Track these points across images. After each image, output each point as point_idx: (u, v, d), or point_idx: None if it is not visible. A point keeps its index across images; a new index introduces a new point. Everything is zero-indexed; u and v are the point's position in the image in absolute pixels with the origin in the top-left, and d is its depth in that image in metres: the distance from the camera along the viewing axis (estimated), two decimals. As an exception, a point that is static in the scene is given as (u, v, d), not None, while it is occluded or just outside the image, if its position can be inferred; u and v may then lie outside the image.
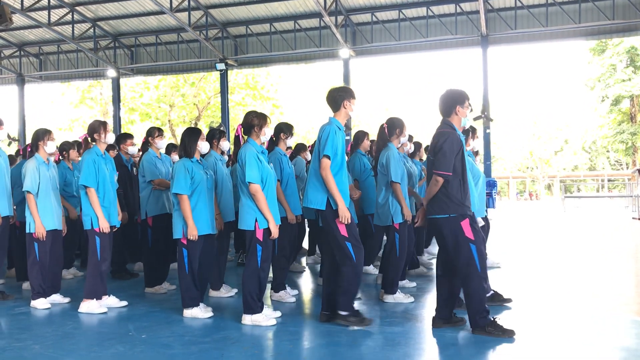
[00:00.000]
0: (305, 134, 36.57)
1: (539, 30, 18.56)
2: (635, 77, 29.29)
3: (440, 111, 4.03)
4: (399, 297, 4.90)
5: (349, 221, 4.01)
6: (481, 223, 4.44)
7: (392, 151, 4.93)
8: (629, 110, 31.45)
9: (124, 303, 4.95)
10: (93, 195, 4.72)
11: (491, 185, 19.62)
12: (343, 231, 4.02)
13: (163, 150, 6.17)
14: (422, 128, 30.05)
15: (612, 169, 44.37)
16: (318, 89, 40.29)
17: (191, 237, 4.45)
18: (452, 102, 3.95)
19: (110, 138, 4.98)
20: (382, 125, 5.09)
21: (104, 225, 4.72)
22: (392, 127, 5.06)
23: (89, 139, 4.99)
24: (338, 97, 4.18)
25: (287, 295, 5.08)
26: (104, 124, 5.00)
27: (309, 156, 6.50)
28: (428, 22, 18.77)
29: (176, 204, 4.54)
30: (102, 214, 4.74)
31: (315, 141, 5.26)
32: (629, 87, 29.51)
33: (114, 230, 5.00)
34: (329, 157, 4.00)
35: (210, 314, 4.52)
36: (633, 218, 13.88)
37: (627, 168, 33.22)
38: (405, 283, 5.50)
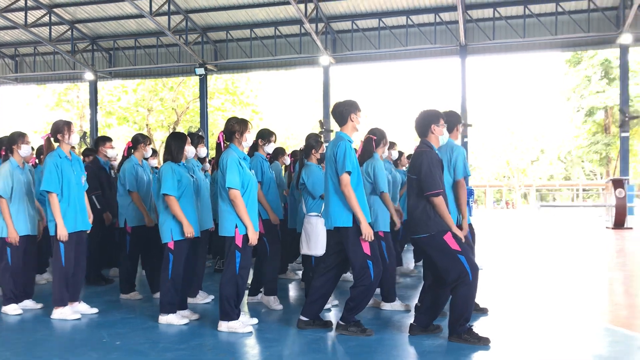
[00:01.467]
0: (284, 140, 36.55)
1: (517, 41, 18.85)
2: (609, 89, 29.88)
3: (417, 133, 4.09)
4: (396, 305, 4.93)
5: (372, 238, 4.03)
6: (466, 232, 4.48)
7: (378, 162, 4.97)
8: (603, 122, 32.06)
9: (95, 310, 4.86)
10: (54, 200, 4.58)
11: (468, 193, 19.87)
12: (366, 249, 4.04)
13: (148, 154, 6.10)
14: (402, 136, 30.26)
15: (586, 179, 45.12)
16: (298, 95, 40.35)
17: (188, 235, 4.42)
18: (427, 122, 4.01)
19: (75, 139, 4.79)
20: (367, 136, 5.11)
21: (62, 233, 4.58)
22: (378, 138, 5.12)
23: (52, 139, 4.83)
24: (345, 111, 4.20)
25: (276, 302, 5.06)
26: (69, 124, 4.82)
27: (287, 161, 6.48)
28: (408, 31, 18.92)
29: (163, 207, 4.49)
30: (62, 221, 4.59)
31: (302, 151, 5.28)
32: (603, 99, 30.09)
33: (87, 233, 4.92)
34: (349, 173, 4.01)
35: (186, 320, 4.48)
36: (606, 227, 14.11)
37: (602, 178, 33.83)
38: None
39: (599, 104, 30.53)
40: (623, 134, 19.21)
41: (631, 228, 13.72)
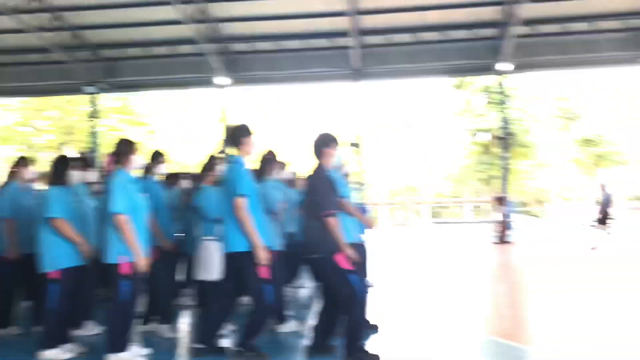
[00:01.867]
0: (180, 161, 35.73)
1: (407, 67, 19.76)
2: (491, 113, 32.05)
3: (313, 154, 4.18)
4: (291, 326, 4.93)
5: (268, 262, 4.01)
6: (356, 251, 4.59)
7: (269, 183, 4.99)
8: (487, 143, 34.26)
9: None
10: None
11: (364, 212, 20.37)
12: (264, 273, 4.00)
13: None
14: (300, 157, 30.61)
15: (474, 196, 47.85)
16: (198, 116, 39.68)
17: (86, 254, 4.21)
18: (319, 145, 4.11)
19: None
20: (263, 157, 5.13)
21: None
22: (272, 160, 5.14)
23: None
24: (238, 135, 4.22)
25: (170, 330, 4.90)
26: None
27: (184, 183, 6.34)
28: (304, 55, 19.27)
29: (47, 233, 4.21)
30: None
31: (197, 173, 5.18)
32: (486, 122, 32.20)
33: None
34: (244, 197, 3.97)
35: (71, 355, 4.23)
36: (492, 242, 14.99)
37: (487, 196, 35.98)
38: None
39: (482, 126, 32.61)
40: (503, 155, 20.65)
41: (512, 242, 14.68)
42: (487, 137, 34.02)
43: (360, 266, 4.13)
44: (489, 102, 32.91)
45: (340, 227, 3.89)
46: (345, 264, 3.85)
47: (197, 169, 5.41)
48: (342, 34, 18.47)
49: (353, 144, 19.42)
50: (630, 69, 20.68)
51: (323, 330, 4.07)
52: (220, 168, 4.96)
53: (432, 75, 21.14)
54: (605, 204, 12.78)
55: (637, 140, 44.58)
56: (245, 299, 6.05)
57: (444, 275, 8.95)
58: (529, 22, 18.30)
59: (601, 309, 5.89)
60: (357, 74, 19.70)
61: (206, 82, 20.06)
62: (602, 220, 12.83)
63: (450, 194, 49.58)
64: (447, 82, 34.52)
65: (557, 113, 36.78)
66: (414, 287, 7.64)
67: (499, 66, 19.38)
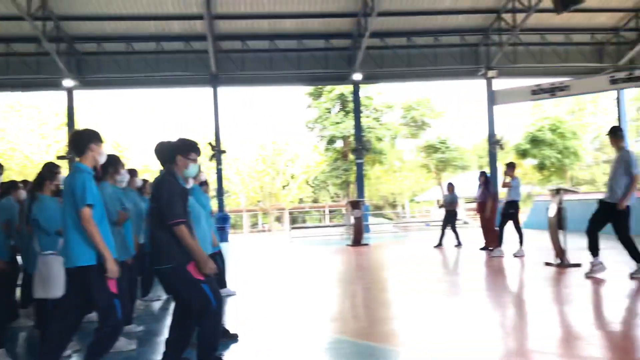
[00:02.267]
0: (21, 169, 32.78)
1: (264, 73, 19.90)
2: (346, 121, 33.33)
3: (160, 161, 4.00)
4: (120, 345, 4.59)
5: (118, 275, 3.77)
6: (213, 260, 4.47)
7: (106, 190, 4.71)
8: (342, 149, 35.55)
9: None
10: None
11: (224, 219, 20.13)
12: (113, 287, 3.72)
13: None
14: (155, 164, 29.47)
15: (332, 201, 49.39)
16: (41, 119, 36.68)
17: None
18: (174, 150, 3.93)
19: None
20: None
21: None
22: (107, 164, 4.79)
23: None
24: (83, 141, 3.91)
25: (3, 356, 4.41)
26: None
27: (22, 195, 5.77)
28: (158, 57, 18.65)
29: None
30: None
31: (34, 182, 4.71)
32: (341, 129, 33.43)
33: None
34: (90, 207, 3.67)
35: None
36: (347, 245, 15.53)
37: (344, 200, 37.28)
38: (132, 327, 5.23)
39: (338, 134, 33.81)
40: (358, 161, 21.55)
41: (367, 244, 15.33)
42: (342, 144, 35.31)
43: (218, 275, 4.02)
44: (344, 110, 34.20)
45: (190, 235, 3.73)
46: (196, 274, 3.72)
47: (34, 177, 4.94)
48: (200, 37, 18.15)
49: (214, 150, 19.12)
50: (468, 81, 22.59)
51: (177, 344, 3.90)
52: (61, 177, 4.59)
53: (289, 83, 21.53)
54: (450, 205, 13.80)
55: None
56: (91, 316, 5.66)
57: (304, 279, 9.06)
58: (379, 34, 19.31)
59: (450, 306, 6.30)
60: (215, 79, 19.46)
61: (52, 84, 18.66)
62: (447, 220, 13.85)
63: (309, 199, 50.77)
64: (304, 90, 35.33)
65: (407, 121, 39.22)
66: (275, 294, 7.64)
67: (353, 76, 20.23)
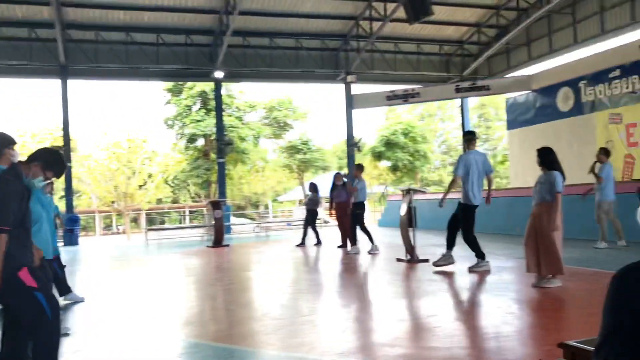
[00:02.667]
0: None
1: (120, 67, 18.91)
2: (208, 119, 32.74)
3: None
4: None
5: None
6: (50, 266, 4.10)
7: None
8: (204, 148, 34.87)
9: None
10: None
11: (73, 221, 18.81)
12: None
13: None
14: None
15: (192, 201, 48.23)
16: None
17: None
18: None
19: None
20: None
21: None
22: None
23: None
24: None
25: None
26: None
27: None
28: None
29: None
30: None
31: None
32: (202, 127, 32.78)
33: None
34: None
35: None
36: (207, 246, 15.24)
37: (205, 200, 36.58)
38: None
39: (199, 132, 33.11)
40: (219, 160, 21.25)
41: (228, 245, 15.16)
42: (203, 143, 34.63)
43: (58, 282, 3.68)
44: (205, 108, 33.57)
45: (9, 244, 3.32)
46: (30, 281, 3.37)
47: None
48: (46, 25, 16.79)
49: (59, 147, 17.76)
50: (329, 85, 23.22)
51: (9, 358, 3.53)
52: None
53: (147, 78, 20.65)
54: (311, 205, 14.07)
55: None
56: None
57: (157, 283, 8.72)
58: (241, 33, 19.20)
59: (309, 304, 6.39)
60: (64, 71, 18.14)
61: None
62: (308, 219, 14.11)
63: (168, 199, 49.13)
64: (163, 86, 34.13)
65: (270, 121, 39.45)
66: (126, 298, 7.25)
67: (214, 74, 19.91)
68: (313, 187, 14.28)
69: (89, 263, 12.59)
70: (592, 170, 10.25)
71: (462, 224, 7.92)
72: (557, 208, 6.29)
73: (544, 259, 6.30)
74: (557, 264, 6.25)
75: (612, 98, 16.19)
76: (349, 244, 11.65)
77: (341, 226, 12.48)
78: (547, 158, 6.57)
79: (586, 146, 16.87)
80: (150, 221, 29.29)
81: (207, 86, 30.85)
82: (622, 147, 15.84)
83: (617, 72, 15.95)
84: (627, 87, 15.67)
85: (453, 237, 8.18)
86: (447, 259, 8.15)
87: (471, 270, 7.79)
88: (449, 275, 7.73)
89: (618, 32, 17.36)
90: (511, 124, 21.27)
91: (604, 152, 10.30)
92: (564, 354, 2.26)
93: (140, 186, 34.64)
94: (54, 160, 3.73)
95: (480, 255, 7.88)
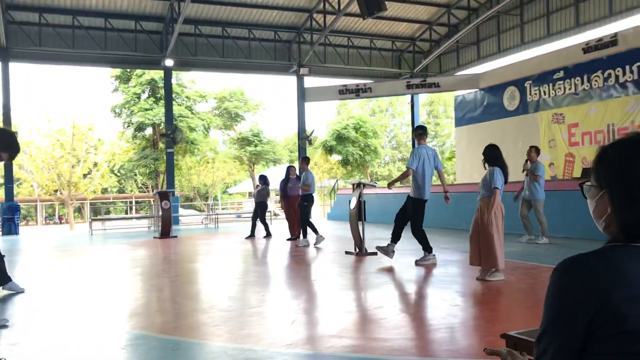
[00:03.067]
0: None
1: (65, 51, 18.29)
2: (156, 108, 32.05)
3: None
4: None
5: None
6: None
7: None
8: (152, 137, 34.13)
9: None
10: None
11: (13, 210, 18.10)
12: None
13: None
14: None
15: (139, 192, 47.21)
16: None
17: None
18: None
19: None
20: None
21: None
22: None
23: None
24: None
25: None
26: None
27: None
28: None
29: None
30: None
31: None
32: (151, 116, 32.07)
33: None
34: None
35: None
36: (155, 237, 14.96)
37: (152, 191, 35.86)
38: None
39: (147, 121, 32.39)
40: (168, 150, 20.86)
41: (176, 236, 14.92)
42: (152, 132, 33.89)
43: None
44: (155, 97, 32.85)
45: None
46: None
47: None
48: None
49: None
50: (281, 77, 23.11)
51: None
52: None
53: (94, 63, 20.03)
54: (260, 198, 13.99)
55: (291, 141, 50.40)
56: None
57: (102, 274, 8.50)
58: (193, 21, 18.87)
59: (256, 295, 6.36)
60: (5, 53, 17.41)
61: None
62: (257, 212, 14.04)
63: (114, 189, 47.93)
64: (111, 73, 33.20)
65: (221, 112, 38.97)
66: (68, 289, 7.03)
67: (164, 62, 19.50)
68: (263, 180, 14.21)
69: (30, 253, 12.15)
70: (525, 169, 10.44)
71: (412, 217, 8.01)
72: (494, 203, 6.44)
73: (484, 253, 6.49)
74: (493, 259, 6.42)
75: (556, 98, 16.78)
76: (304, 236, 11.66)
77: (290, 219, 12.49)
78: (490, 154, 6.67)
79: (530, 144, 17.44)
80: (95, 211, 28.46)
81: (157, 74, 30.21)
82: (564, 146, 16.45)
83: (561, 74, 16.53)
84: (570, 88, 16.26)
85: (400, 230, 8.28)
86: (388, 251, 8.21)
87: (418, 263, 7.94)
88: (396, 269, 7.84)
89: (563, 34, 18.00)
90: (459, 121, 21.75)
91: (536, 151, 10.41)
92: (506, 344, 2.32)
93: (85, 175, 33.66)
94: (11, 142, 3.52)
95: (427, 248, 8.02)
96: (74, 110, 31.14)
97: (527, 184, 10.30)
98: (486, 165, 6.72)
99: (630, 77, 14.49)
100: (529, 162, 10.34)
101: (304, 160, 12.19)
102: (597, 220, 1.33)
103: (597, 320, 1.18)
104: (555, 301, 1.25)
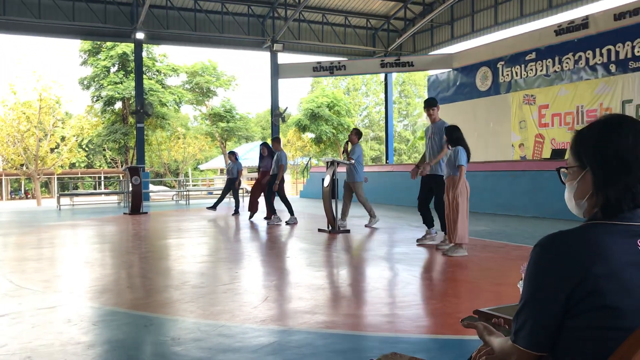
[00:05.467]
0: None
1: (31, 21, 17.73)
2: (126, 81, 31.41)
3: None
4: None
5: None
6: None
7: None
8: (121, 111, 33.50)
9: None
10: None
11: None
12: None
13: None
14: None
15: (108, 167, 46.47)
16: None
17: None
18: None
19: None
20: None
21: None
22: None
23: None
24: None
25: None
26: None
27: None
28: None
29: None
30: None
31: None
32: (121, 90, 31.43)
33: None
34: None
35: None
36: (124, 213, 14.78)
37: (122, 166, 35.31)
38: None
39: (117, 95, 31.75)
40: (138, 125, 20.51)
41: (146, 213, 14.76)
42: (121, 106, 33.25)
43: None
44: (125, 70, 32.16)
45: None
46: None
47: None
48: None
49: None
50: (254, 52, 22.81)
51: None
52: None
53: (61, 35, 19.46)
54: (232, 174, 13.92)
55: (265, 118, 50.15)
56: None
57: (69, 250, 8.37)
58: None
59: (227, 273, 6.34)
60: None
61: None
62: (228, 188, 13.99)
63: (82, 164, 47.07)
64: (79, 45, 32.36)
65: (192, 87, 38.39)
66: (34, 265, 6.90)
67: (135, 34, 19.06)
68: (232, 156, 14.12)
69: (-6, 228, 11.87)
70: (345, 150, 10.31)
71: (439, 195, 7.53)
72: (460, 179, 6.58)
73: (452, 228, 6.67)
74: (455, 234, 6.62)
75: (527, 79, 16.96)
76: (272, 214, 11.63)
77: (266, 197, 12.44)
78: (452, 135, 6.79)
79: (501, 124, 17.65)
80: (63, 186, 27.92)
81: (128, 48, 29.56)
82: (534, 127, 16.69)
83: (532, 55, 16.70)
84: (541, 70, 16.45)
85: (429, 214, 7.94)
86: (432, 237, 7.82)
87: (441, 251, 7.74)
88: (368, 246, 7.89)
89: (536, 16, 18.14)
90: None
91: (356, 133, 10.18)
92: (479, 319, 2.35)
93: (52, 149, 32.93)
94: None
95: (431, 225, 7.86)
96: (40, 83, 30.26)
97: (347, 167, 10.01)
98: (449, 145, 6.82)
99: (600, 59, 14.72)
100: (349, 143, 10.16)
101: (276, 140, 12.00)
102: (578, 202, 1.36)
103: (576, 295, 1.20)
104: (535, 276, 1.27)
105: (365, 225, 10.18)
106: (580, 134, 1.36)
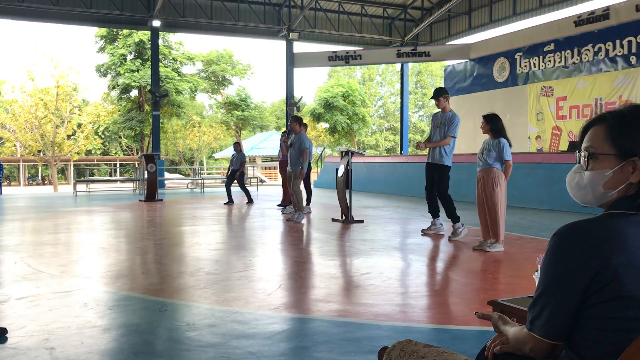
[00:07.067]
0: None
1: (48, 8, 17.85)
2: (143, 69, 31.54)
3: None
4: None
5: None
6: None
7: None
8: (137, 99, 33.67)
9: None
10: None
11: (-3, 169, 17.87)
12: None
13: None
14: None
15: (123, 154, 46.82)
16: None
17: None
18: None
19: None
20: None
21: None
22: None
23: None
24: None
25: None
26: None
27: None
28: None
29: None
30: None
31: None
32: (137, 78, 31.58)
33: None
34: None
35: None
36: (140, 200, 14.89)
37: (137, 154, 35.55)
38: None
39: (133, 83, 31.90)
40: (154, 113, 20.61)
41: (161, 200, 14.86)
42: (138, 94, 33.42)
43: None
44: (141, 58, 32.29)
45: None
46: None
47: None
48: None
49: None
50: (270, 41, 22.78)
51: None
52: None
53: (78, 22, 19.55)
54: (236, 165, 13.81)
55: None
56: None
57: (86, 236, 8.46)
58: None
59: (241, 261, 6.37)
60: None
61: None
62: (231, 179, 13.88)
63: (98, 151, 47.46)
64: (96, 32, 32.51)
65: (208, 75, 38.44)
66: (53, 250, 6.99)
67: (151, 22, 19.11)
68: (238, 147, 14.05)
69: (13, 213, 12.04)
70: (284, 141, 10.00)
71: (441, 184, 7.46)
72: (508, 175, 6.33)
73: (490, 224, 6.42)
74: (496, 230, 6.39)
75: (545, 71, 16.76)
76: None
77: (284, 185, 12.40)
78: (497, 125, 6.35)
79: (518, 116, 17.49)
80: (79, 173, 28.20)
81: (145, 36, 29.67)
82: (551, 119, 16.51)
83: (551, 46, 16.48)
84: (559, 61, 16.24)
85: (436, 204, 7.76)
86: (457, 233, 7.42)
87: (450, 240, 7.39)
88: (383, 237, 7.89)
89: (555, 6, 17.88)
90: (448, 91, 21.67)
91: (296, 120, 9.84)
92: (493, 311, 2.35)
93: (69, 136, 33.23)
94: None
95: (456, 219, 7.47)
96: (58, 70, 30.49)
97: (294, 156, 9.76)
98: (490, 134, 6.41)
99: (620, 51, 14.49)
100: (290, 133, 9.93)
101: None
102: (606, 192, 1.29)
103: (595, 285, 1.19)
104: (554, 265, 1.25)
105: (287, 220, 9.81)
106: (625, 121, 1.25)
